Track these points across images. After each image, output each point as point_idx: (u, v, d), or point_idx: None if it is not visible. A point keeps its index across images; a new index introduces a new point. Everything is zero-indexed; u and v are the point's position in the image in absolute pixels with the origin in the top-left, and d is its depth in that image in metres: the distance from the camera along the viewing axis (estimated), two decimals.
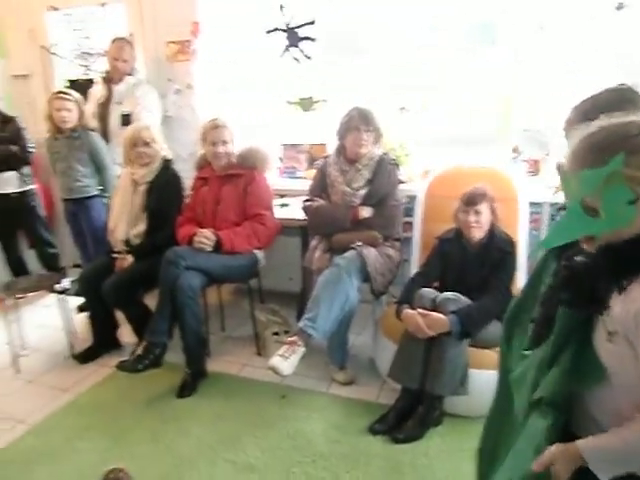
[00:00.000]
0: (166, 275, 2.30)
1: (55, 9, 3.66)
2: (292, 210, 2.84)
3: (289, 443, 2.05)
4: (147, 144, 2.63)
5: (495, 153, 2.84)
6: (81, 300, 3.04)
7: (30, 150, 3.30)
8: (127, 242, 2.63)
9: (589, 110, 1.15)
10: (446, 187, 2.52)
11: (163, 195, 2.62)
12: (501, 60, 2.81)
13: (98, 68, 3.55)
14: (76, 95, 2.98)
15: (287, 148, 3.33)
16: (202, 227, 2.48)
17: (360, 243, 2.37)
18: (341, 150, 2.52)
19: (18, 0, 3.68)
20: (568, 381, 0.88)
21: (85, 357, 2.71)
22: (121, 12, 3.46)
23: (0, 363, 2.74)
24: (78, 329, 2.88)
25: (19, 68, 3.78)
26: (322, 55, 3.18)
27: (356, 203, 2.43)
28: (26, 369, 2.69)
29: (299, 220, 2.69)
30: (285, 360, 2.05)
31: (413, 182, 2.86)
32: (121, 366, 2.33)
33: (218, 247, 2.42)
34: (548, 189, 2.54)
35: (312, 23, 3.15)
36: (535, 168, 2.78)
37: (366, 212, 2.43)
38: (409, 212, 2.75)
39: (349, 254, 2.31)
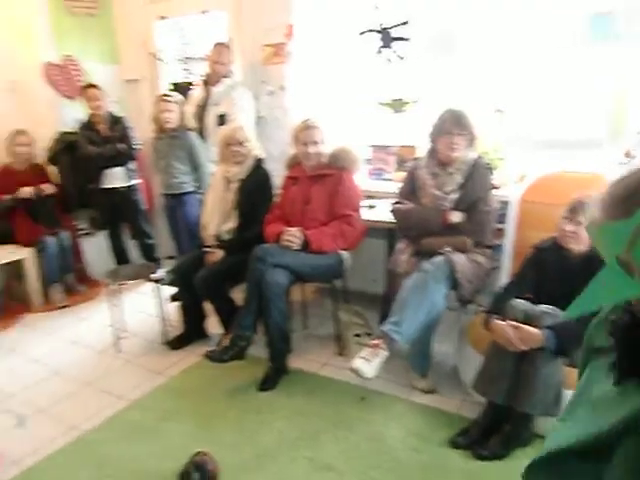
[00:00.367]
0: (254, 271, 2.38)
1: (164, 18, 3.92)
2: (379, 212, 2.82)
3: (367, 446, 2.04)
4: (241, 143, 2.74)
5: (603, 158, 2.62)
6: (174, 290, 3.23)
7: (136, 148, 3.58)
8: (218, 237, 2.76)
9: None
10: (545, 193, 2.37)
11: (254, 193, 2.72)
12: (615, 54, 2.57)
13: (198, 72, 3.76)
14: (178, 97, 3.19)
15: (376, 149, 3.31)
16: (290, 226, 2.54)
17: (449, 248, 2.30)
18: (433, 153, 2.46)
19: (132, 12, 3.99)
20: None
21: (176, 344, 2.88)
22: (222, 19, 3.64)
23: (104, 343, 2.99)
24: (171, 317, 3.07)
25: (130, 73, 4.10)
26: (415, 55, 3.13)
27: (447, 207, 2.36)
28: (125, 350, 2.92)
29: (386, 222, 2.66)
30: (368, 363, 2.04)
31: (507, 187, 2.72)
32: (208, 355, 2.44)
33: (305, 246, 2.46)
34: None
35: (405, 23, 3.11)
36: None
37: (456, 217, 2.35)
38: (501, 218, 2.62)
39: (437, 259, 2.24)
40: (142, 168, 3.95)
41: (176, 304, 3.19)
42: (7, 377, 2.65)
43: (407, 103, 3.25)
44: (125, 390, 2.50)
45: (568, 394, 1.86)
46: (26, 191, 3.48)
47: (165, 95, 3.18)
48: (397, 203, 2.52)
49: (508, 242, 2.49)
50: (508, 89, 2.90)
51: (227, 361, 2.38)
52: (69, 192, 3.63)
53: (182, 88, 3.71)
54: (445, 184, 2.39)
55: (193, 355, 2.79)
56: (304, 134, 2.56)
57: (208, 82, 3.34)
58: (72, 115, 3.72)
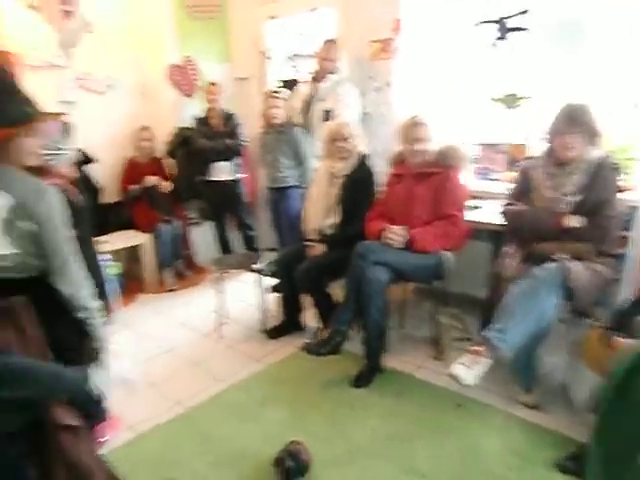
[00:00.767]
0: (355, 268, 2.38)
1: (274, 18, 4.06)
2: (484, 213, 2.69)
3: (461, 456, 1.96)
4: (346, 139, 2.75)
5: None
6: (274, 281, 3.34)
7: (243, 144, 3.75)
8: (320, 231, 2.80)
9: None
10: None
11: (357, 189, 2.72)
12: None
13: (305, 69, 3.84)
14: (286, 93, 3.28)
15: (484, 148, 3.16)
16: (392, 223, 2.50)
17: (564, 255, 2.12)
18: (550, 152, 2.29)
19: (245, 13, 4.17)
20: None
21: (274, 333, 2.98)
22: (330, 16, 3.68)
23: (208, 327, 3.18)
24: (270, 307, 3.18)
25: (240, 71, 4.31)
26: (533, 47, 2.92)
27: (564, 210, 2.18)
28: (227, 335, 3.08)
29: (492, 224, 2.53)
30: (468, 370, 1.95)
31: (635, 191, 2.46)
32: (306, 348, 2.49)
33: (407, 245, 2.41)
34: None
35: (525, 12, 2.92)
36: None
37: (575, 221, 2.16)
38: (627, 225, 2.37)
39: (550, 266, 2.08)
40: (247, 163, 4.14)
41: (275, 295, 3.30)
42: (124, 349, 2.91)
43: (521, 99, 3.05)
44: (226, 373, 2.64)
45: None
46: (151, 180, 3.80)
47: (274, 91, 3.30)
48: (508, 204, 2.38)
49: (634, 251, 2.25)
50: None
51: (324, 355, 2.41)
52: (182, 184, 3.90)
53: (289, 85, 3.81)
54: (563, 185, 2.21)
55: (290, 346, 2.87)
56: (411, 131, 2.50)
57: (315, 78, 3.40)
58: (189, 112, 4.00)
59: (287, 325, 3.00)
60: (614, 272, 2.22)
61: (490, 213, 2.58)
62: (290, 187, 3.37)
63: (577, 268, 2.08)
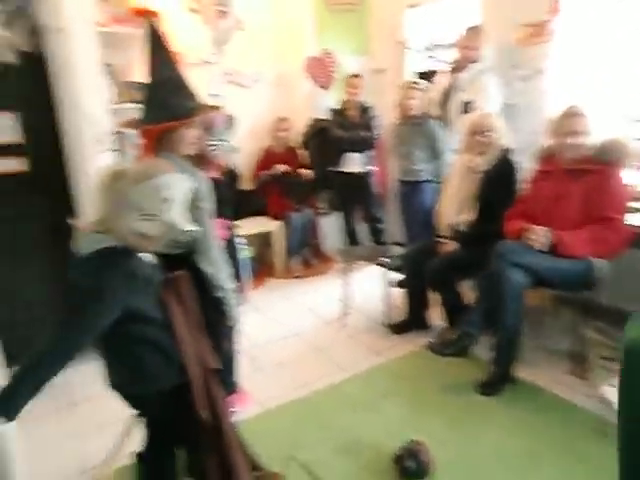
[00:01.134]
0: (492, 268, 2.24)
1: (413, 7, 3.96)
2: None
3: None
4: (487, 132, 2.58)
5: None
6: (399, 276, 3.30)
7: (377, 137, 3.74)
8: (454, 228, 2.69)
9: None
10: None
11: (497, 185, 2.55)
12: None
13: (445, 59, 3.69)
14: (424, 84, 3.19)
15: None
16: (535, 224, 2.30)
17: None
18: None
19: (385, 2, 4.13)
20: None
21: (398, 329, 2.94)
22: (474, 1, 3.47)
23: (332, 315, 3.25)
24: (394, 302, 3.14)
25: (377, 63, 4.28)
26: None
27: None
28: (350, 325, 3.11)
29: None
30: None
31: None
32: (430, 346, 2.42)
33: (552, 247, 2.20)
34: None
35: None
36: None
37: None
38: None
39: None
40: (379, 155, 4.12)
41: (401, 290, 3.25)
42: (253, 330, 3.10)
43: None
44: (347, 362, 2.67)
45: None
46: (280, 167, 3.96)
47: (412, 82, 3.22)
48: None
49: None
50: None
51: (448, 355, 2.32)
52: (315, 174, 4.01)
53: (427, 76, 3.70)
54: None
55: (412, 343, 2.81)
56: (566, 123, 2.26)
57: (456, 68, 3.25)
58: (324, 103, 4.09)
59: (411, 321, 2.94)
60: None
61: None
62: (423, 181, 3.28)
63: None
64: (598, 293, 2.34)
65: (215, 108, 1.79)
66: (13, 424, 1.23)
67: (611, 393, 1.74)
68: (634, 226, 2.27)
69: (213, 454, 1.44)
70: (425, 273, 2.61)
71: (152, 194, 1.28)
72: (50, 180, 2.64)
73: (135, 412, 1.53)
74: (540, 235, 2.22)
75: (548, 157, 2.43)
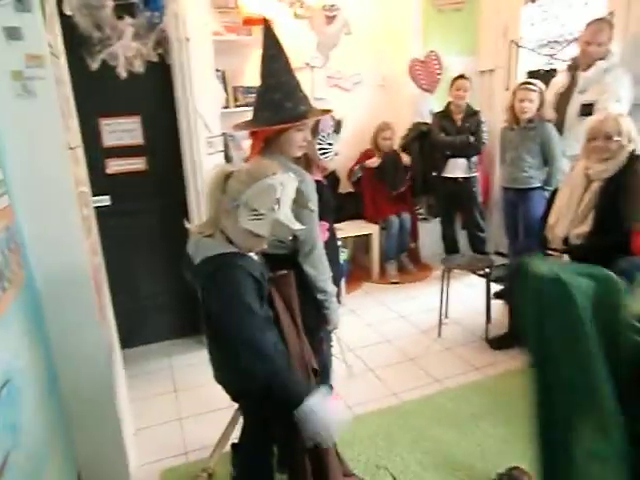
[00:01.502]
0: None
1: (532, 1, 3.72)
2: None
3: None
4: (609, 137, 2.33)
5: None
6: (498, 287, 3.12)
7: (484, 142, 3.57)
8: (566, 241, 2.47)
9: None
10: None
11: (619, 195, 2.29)
12: None
13: (563, 56, 3.43)
14: (541, 85, 2.97)
15: None
16: None
17: None
18: None
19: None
20: None
21: (498, 344, 2.77)
22: None
23: (427, 324, 3.15)
24: (494, 314, 2.97)
25: (486, 64, 4.09)
26: None
27: None
28: (445, 336, 2.99)
29: None
30: None
31: None
32: None
33: None
34: None
35: None
36: None
37: None
38: None
39: None
40: (483, 161, 3.93)
41: (500, 302, 3.07)
42: (346, 334, 3.10)
43: None
44: (441, 375, 2.57)
45: None
46: (373, 161, 3.88)
47: (527, 83, 3.01)
48: None
49: None
50: None
51: None
52: (416, 178, 3.93)
53: (541, 76, 3.46)
54: None
55: (513, 360, 2.64)
56: None
57: (576, 67, 3.00)
58: (428, 107, 3.98)
59: (513, 337, 2.75)
60: None
61: None
62: (533, 188, 3.06)
63: None
64: None
65: (327, 112, 1.80)
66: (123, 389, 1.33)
67: None
68: None
69: (308, 454, 1.44)
70: None
71: (264, 194, 1.31)
72: (165, 179, 2.85)
73: (236, 404, 1.59)
74: None
75: None
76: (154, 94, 2.74)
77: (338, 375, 2.48)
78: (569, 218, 2.47)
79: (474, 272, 3.08)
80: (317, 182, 1.86)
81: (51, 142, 1.52)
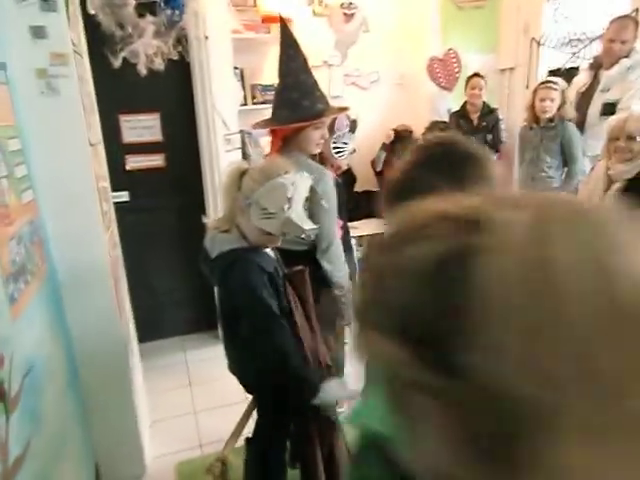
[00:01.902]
0: None
1: None
2: None
3: None
4: (632, 138, 2.29)
5: None
6: None
7: (502, 140, 3.52)
8: None
9: None
10: None
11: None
12: None
13: (586, 55, 3.37)
14: (562, 84, 2.93)
15: None
16: None
17: None
18: None
19: None
20: None
21: None
22: None
23: None
24: None
25: (506, 62, 4.03)
26: None
27: None
28: None
29: None
30: None
31: None
32: None
33: None
34: None
35: None
36: None
37: None
38: None
39: None
40: (501, 161, 3.88)
41: None
42: None
43: None
44: None
45: None
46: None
47: (548, 82, 2.97)
48: None
49: None
50: None
51: None
52: None
53: (563, 74, 3.41)
54: None
55: None
56: None
57: (599, 65, 2.95)
58: (445, 106, 3.96)
59: None
60: None
61: None
62: (552, 189, 3.02)
63: None
64: None
65: (343, 109, 1.81)
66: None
67: None
68: None
69: (321, 448, 1.46)
70: None
71: (275, 193, 1.32)
72: (183, 176, 2.88)
73: (250, 398, 1.60)
74: None
75: None
76: (173, 91, 2.77)
77: (352, 372, 2.47)
78: None
79: None
80: None
81: (74, 139, 1.55)
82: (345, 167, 2.63)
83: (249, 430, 1.63)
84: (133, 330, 2.32)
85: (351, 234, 2.44)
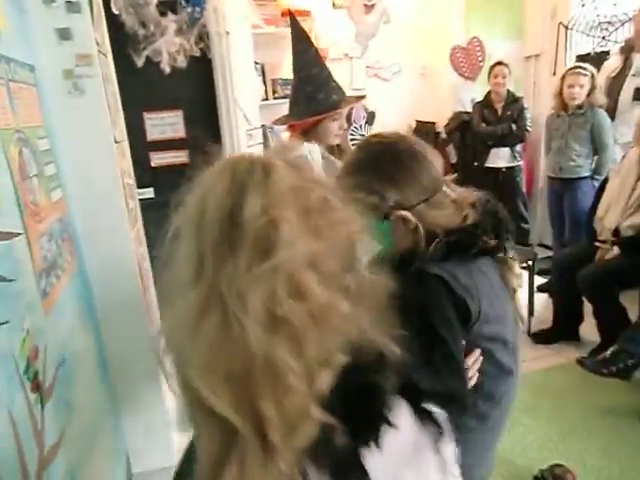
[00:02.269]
0: None
1: None
2: None
3: None
4: None
5: None
6: (541, 280, 3.03)
7: (528, 129, 3.44)
8: (616, 232, 2.37)
9: None
10: None
11: None
12: None
13: (617, 38, 3.26)
14: (592, 70, 2.84)
15: None
16: None
17: None
18: None
19: None
20: None
21: (542, 338, 2.69)
22: None
23: None
24: (537, 308, 2.88)
25: (531, 48, 3.93)
26: None
27: None
28: None
29: None
30: None
31: None
32: (582, 362, 2.17)
33: None
34: None
35: None
36: None
37: None
38: None
39: None
40: (527, 149, 3.80)
41: (544, 295, 2.98)
42: None
43: None
44: None
45: None
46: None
47: (577, 67, 2.87)
48: None
49: None
50: None
51: (605, 375, 2.06)
52: (458, 169, 3.85)
53: (592, 59, 3.30)
54: None
55: (559, 355, 2.56)
56: None
57: (630, 48, 2.85)
58: (468, 96, 3.89)
59: (558, 331, 2.67)
60: None
61: None
62: (581, 178, 2.94)
63: None
64: None
65: (360, 98, 1.82)
66: None
67: None
68: None
69: None
70: (579, 281, 2.34)
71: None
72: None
73: None
74: None
75: None
76: (196, 88, 2.80)
77: None
78: (620, 208, 2.37)
79: (519, 264, 2.99)
80: None
81: (99, 137, 1.58)
82: None
83: None
84: None
85: None
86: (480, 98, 3.71)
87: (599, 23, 3.54)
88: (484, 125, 3.54)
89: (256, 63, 3.16)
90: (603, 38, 3.44)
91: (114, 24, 2.11)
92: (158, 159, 2.82)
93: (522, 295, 2.90)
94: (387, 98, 4.00)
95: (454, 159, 3.97)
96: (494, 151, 3.58)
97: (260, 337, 0.42)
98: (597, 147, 2.87)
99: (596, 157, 2.93)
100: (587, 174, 2.93)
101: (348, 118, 2.05)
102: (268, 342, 0.42)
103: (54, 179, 1.41)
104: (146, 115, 2.72)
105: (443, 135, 3.97)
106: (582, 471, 1.76)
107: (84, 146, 1.56)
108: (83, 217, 1.59)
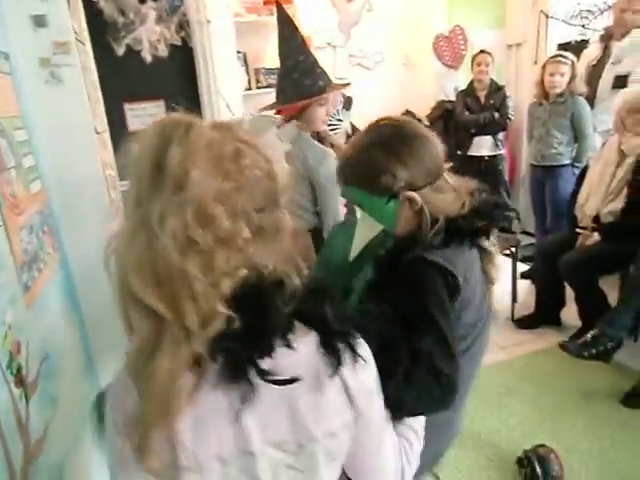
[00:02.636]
0: None
1: None
2: None
3: None
4: None
5: None
6: (524, 267, 3.07)
7: (510, 117, 3.47)
8: (597, 219, 2.41)
9: None
10: None
11: None
12: None
13: (597, 26, 3.29)
14: (572, 58, 2.87)
15: None
16: None
17: None
18: None
19: None
20: None
21: (525, 324, 2.74)
22: None
23: None
24: (520, 294, 2.93)
25: (513, 37, 3.95)
26: None
27: None
28: None
29: None
30: None
31: None
32: (564, 346, 2.22)
33: None
34: None
35: None
36: None
37: None
38: None
39: None
40: (509, 137, 3.83)
41: (527, 282, 3.03)
42: None
43: None
44: None
45: None
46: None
47: (558, 56, 2.90)
48: None
49: None
50: None
51: (586, 358, 2.10)
52: None
53: (572, 48, 3.33)
54: None
55: (542, 340, 2.61)
56: None
57: (610, 36, 2.88)
58: (451, 84, 3.90)
59: (540, 317, 2.72)
60: None
61: None
62: (562, 165, 2.98)
63: None
64: None
65: (346, 85, 1.82)
66: None
67: None
68: None
69: None
70: (560, 266, 2.39)
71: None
72: None
73: None
74: None
75: None
76: (177, 77, 2.75)
77: None
78: (600, 195, 2.41)
79: (500, 251, 3.03)
80: None
81: (79, 127, 1.55)
82: (341, 146, 2.61)
83: None
84: None
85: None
86: (463, 87, 3.73)
87: (580, 11, 3.57)
88: (467, 113, 3.56)
89: (238, 52, 3.12)
90: (583, 26, 3.47)
91: (92, 11, 2.06)
92: None
93: (505, 282, 2.97)
94: (371, 87, 3.98)
95: None
96: (477, 140, 3.61)
97: (175, 254, 0.55)
98: (577, 135, 2.91)
99: (576, 145, 2.97)
100: (568, 162, 2.97)
101: (330, 104, 2.05)
102: (182, 258, 0.55)
103: (33, 170, 1.38)
104: (127, 106, 2.67)
105: (426, 123, 3.98)
106: (564, 451, 1.81)
107: (64, 137, 1.52)
108: (64, 209, 1.56)
